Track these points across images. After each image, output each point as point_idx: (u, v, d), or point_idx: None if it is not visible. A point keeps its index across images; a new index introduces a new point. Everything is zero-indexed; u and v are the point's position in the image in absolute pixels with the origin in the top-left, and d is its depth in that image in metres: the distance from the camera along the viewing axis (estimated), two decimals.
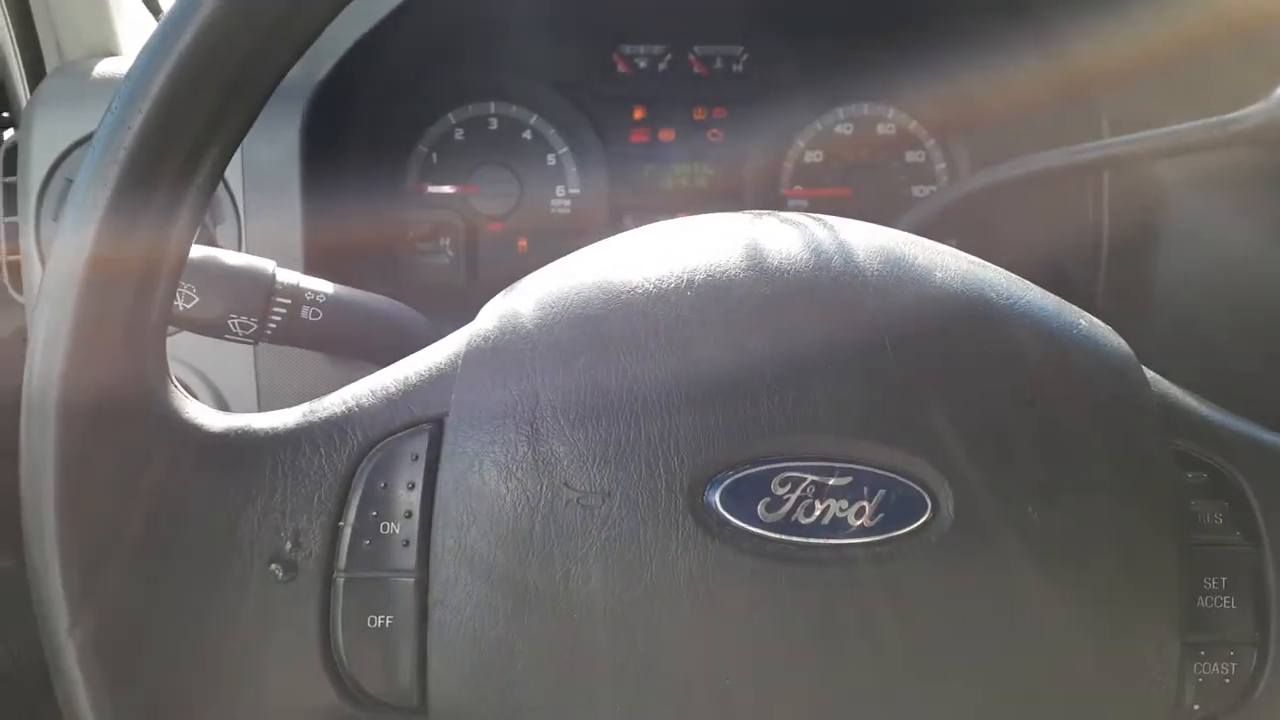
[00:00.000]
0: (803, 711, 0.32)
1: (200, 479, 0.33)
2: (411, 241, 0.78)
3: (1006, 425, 0.32)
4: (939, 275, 0.34)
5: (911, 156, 0.79)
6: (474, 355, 0.34)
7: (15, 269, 0.67)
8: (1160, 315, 0.62)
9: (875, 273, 0.34)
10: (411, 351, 0.36)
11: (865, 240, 0.35)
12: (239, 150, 0.62)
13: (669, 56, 0.78)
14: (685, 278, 0.34)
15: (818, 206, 0.79)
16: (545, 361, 0.33)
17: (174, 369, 0.65)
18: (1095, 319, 0.36)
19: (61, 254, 0.31)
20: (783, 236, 0.35)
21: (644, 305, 0.33)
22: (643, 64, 0.78)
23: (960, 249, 0.71)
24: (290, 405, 0.35)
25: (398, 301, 0.49)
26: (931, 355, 0.33)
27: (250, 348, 0.62)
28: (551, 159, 0.78)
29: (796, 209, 0.79)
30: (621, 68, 0.78)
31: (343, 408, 0.34)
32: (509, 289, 0.36)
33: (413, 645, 0.33)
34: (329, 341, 0.47)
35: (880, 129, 0.78)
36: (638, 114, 0.78)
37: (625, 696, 0.32)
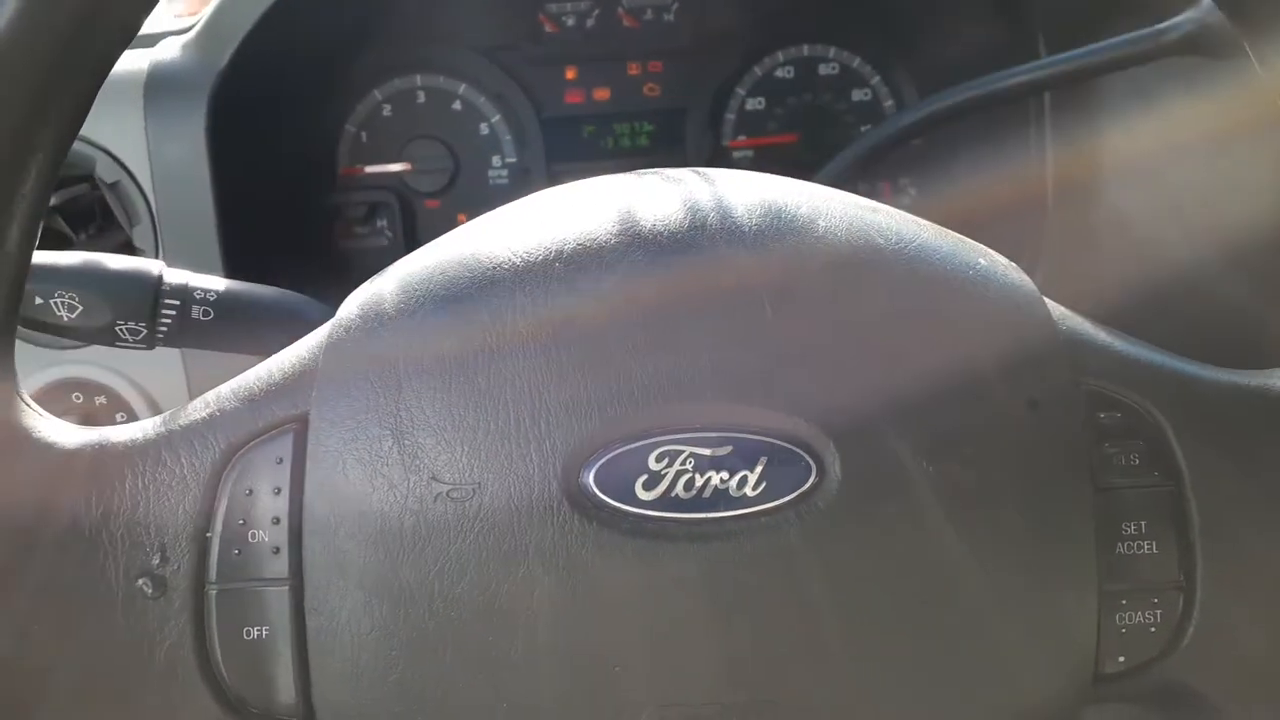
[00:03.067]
0: (695, 691, 0.30)
1: (60, 498, 0.31)
2: (349, 225, 0.76)
3: (895, 378, 0.30)
4: (822, 224, 0.32)
5: (857, 95, 0.76)
6: (335, 347, 0.32)
7: None
8: (1110, 249, 0.59)
9: (754, 227, 0.32)
10: None
11: (746, 193, 0.33)
12: (146, 149, 0.61)
13: (597, 12, 0.75)
14: (554, 248, 0.32)
15: (763, 155, 0.76)
16: (408, 349, 0.31)
17: (101, 376, 0.64)
18: (998, 256, 0.34)
19: None
20: (660, 197, 0.33)
21: (511, 281, 0.31)
22: (570, 21, 0.75)
23: (911, 188, 0.68)
24: None
25: (295, 293, 0.47)
26: (812, 310, 0.31)
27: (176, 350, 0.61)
28: (485, 128, 0.76)
29: (742, 160, 0.76)
30: (549, 27, 0.75)
31: (204, 413, 0.32)
32: (376, 276, 0.34)
33: (291, 655, 0.31)
34: (225, 339, 0.45)
35: (822, 70, 0.76)
36: (570, 74, 0.76)
37: (512, 689, 0.31)
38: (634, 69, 0.76)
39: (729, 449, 0.30)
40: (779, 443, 0.30)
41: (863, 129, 0.75)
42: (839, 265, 0.31)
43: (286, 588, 0.31)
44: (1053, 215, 0.61)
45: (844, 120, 0.76)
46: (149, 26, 0.66)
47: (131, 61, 0.62)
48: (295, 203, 0.71)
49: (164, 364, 0.61)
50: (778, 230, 0.32)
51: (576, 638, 0.30)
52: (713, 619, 0.30)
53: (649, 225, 0.32)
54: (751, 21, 0.75)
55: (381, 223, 0.76)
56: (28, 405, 0.32)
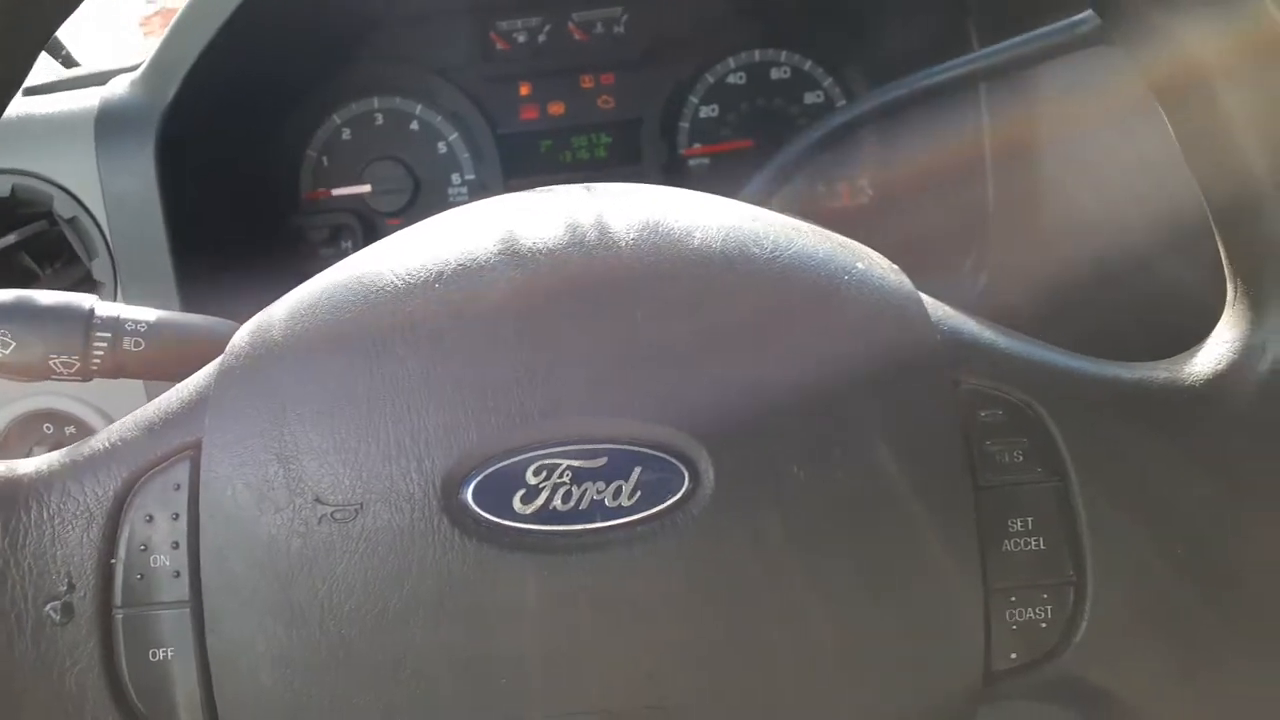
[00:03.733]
0: (581, 700, 0.31)
1: None
2: (313, 248, 0.77)
3: (766, 384, 0.31)
4: (698, 236, 0.32)
5: (810, 98, 0.76)
6: (226, 374, 0.33)
7: None
8: (1051, 246, 0.59)
9: (630, 241, 0.32)
10: None
11: (627, 207, 0.34)
12: (99, 185, 0.62)
13: (547, 27, 0.76)
14: (436, 270, 0.32)
15: (720, 162, 0.77)
16: (292, 373, 0.32)
17: (70, 407, 0.65)
18: (881, 259, 0.34)
19: None
20: (544, 214, 0.34)
21: (392, 303, 0.32)
22: (521, 38, 0.76)
23: (868, 190, 0.68)
24: None
25: (227, 320, 0.48)
26: (682, 319, 0.31)
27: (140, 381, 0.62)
28: (443, 147, 0.77)
29: (698, 168, 0.77)
30: (500, 45, 0.76)
31: (105, 444, 0.33)
32: (273, 303, 0.35)
33: (195, 676, 0.32)
34: (157, 368, 0.46)
35: (774, 74, 0.76)
36: (524, 90, 0.77)
37: (402, 704, 0.31)
38: (587, 82, 0.76)
39: (603, 460, 0.30)
40: (652, 452, 0.30)
41: None
42: (710, 274, 0.32)
43: (187, 610, 0.32)
44: (995, 210, 0.61)
45: (798, 123, 0.76)
46: (102, 64, 0.68)
47: (83, 99, 0.63)
48: (256, 228, 0.72)
49: (128, 393, 0.62)
50: (653, 243, 0.32)
51: (462, 652, 0.30)
52: (596, 628, 0.30)
53: (528, 243, 0.33)
54: (701, 29, 0.75)
55: (346, 244, 0.77)
56: None
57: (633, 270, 0.32)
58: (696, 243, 0.32)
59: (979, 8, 0.62)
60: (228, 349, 0.33)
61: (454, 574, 0.30)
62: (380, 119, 0.77)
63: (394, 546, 0.30)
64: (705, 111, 0.76)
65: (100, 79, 0.66)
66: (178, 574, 0.32)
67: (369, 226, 0.77)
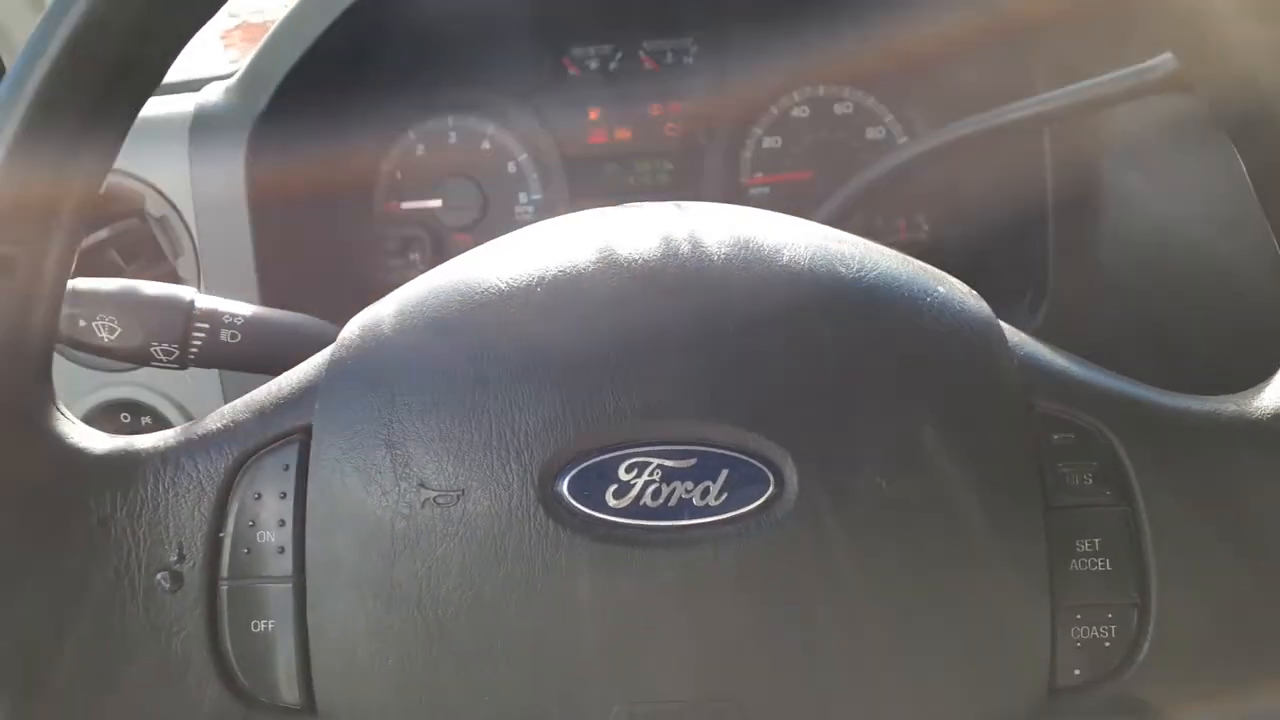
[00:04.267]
0: (661, 689, 0.32)
1: (88, 498, 0.35)
2: (383, 258, 0.80)
3: (851, 397, 0.32)
4: (786, 254, 0.34)
5: (872, 133, 0.78)
6: (336, 365, 0.35)
7: None
8: (1109, 280, 0.60)
9: (722, 256, 0.34)
10: None
11: (717, 225, 0.36)
12: (190, 187, 0.65)
13: (619, 55, 0.79)
14: (537, 276, 0.34)
15: (780, 192, 0.78)
16: (400, 366, 0.34)
17: (147, 398, 0.68)
18: (959, 284, 0.36)
19: None
20: (638, 229, 0.36)
21: (495, 305, 0.34)
22: (593, 65, 0.79)
23: (926, 226, 0.70)
24: None
25: (316, 318, 0.50)
26: (772, 332, 0.33)
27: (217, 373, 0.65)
28: (512, 166, 0.79)
29: (759, 196, 0.79)
30: (573, 71, 0.79)
31: (219, 424, 0.36)
32: (378, 301, 0.37)
33: (294, 647, 0.34)
34: (250, 361, 0.48)
35: (837, 108, 0.78)
36: (593, 115, 0.79)
37: (493, 683, 0.33)
38: (655, 109, 0.79)
39: (693, 461, 0.32)
40: (739, 456, 0.32)
41: None
42: (799, 290, 0.34)
43: (289, 585, 0.34)
44: (1055, 246, 0.63)
45: (859, 158, 0.77)
46: (197, 72, 0.71)
47: (178, 104, 0.67)
48: (331, 236, 0.75)
49: (203, 386, 0.65)
50: (744, 258, 0.34)
51: (551, 635, 0.32)
52: (678, 620, 0.32)
53: (625, 254, 0.35)
54: (768, 63, 0.77)
55: (414, 255, 0.79)
56: (62, 414, 0.36)
57: (725, 283, 0.34)
58: (785, 259, 0.34)
59: (1042, 52, 0.63)
60: (338, 341, 0.36)
61: (547, 561, 0.32)
62: (454, 137, 0.79)
63: (491, 531, 0.32)
64: (768, 142, 0.78)
65: (194, 85, 0.69)
66: (282, 550, 0.34)
67: (437, 240, 0.79)
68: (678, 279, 0.34)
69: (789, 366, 0.32)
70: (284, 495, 0.34)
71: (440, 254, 0.79)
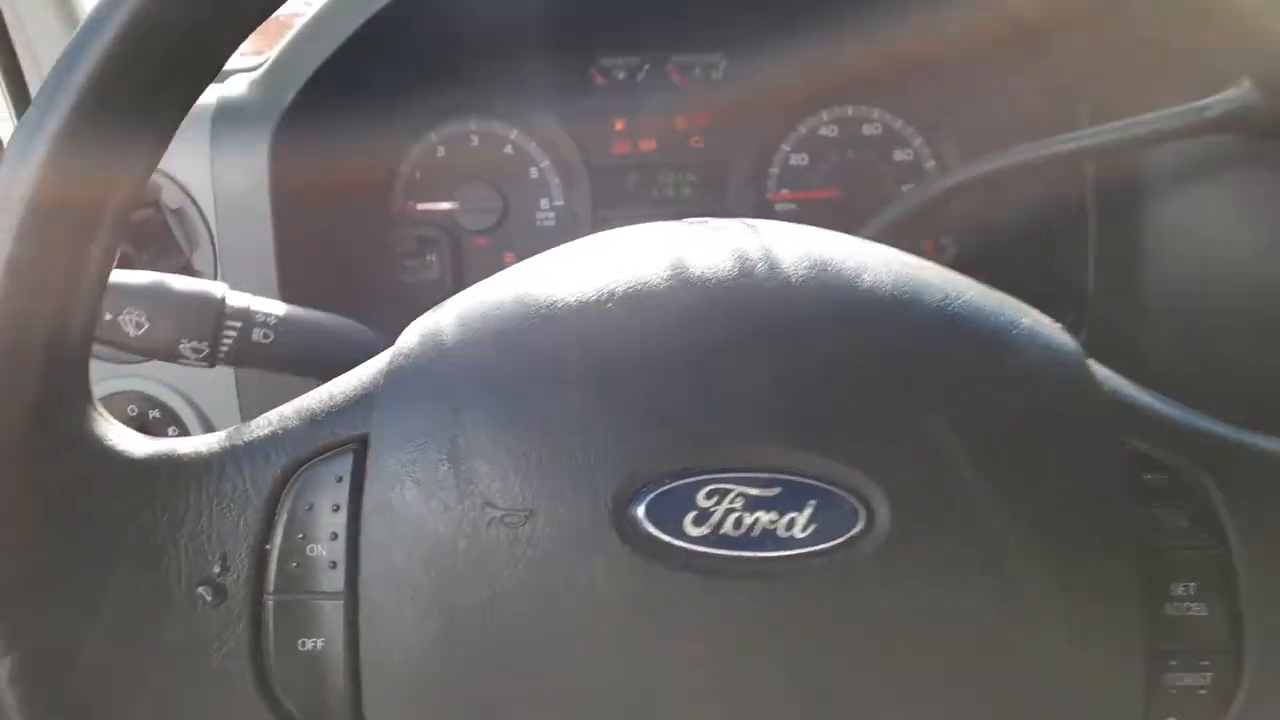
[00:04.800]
0: None
1: (126, 505, 0.33)
2: (398, 259, 0.78)
3: (943, 431, 0.31)
4: (867, 278, 0.33)
5: (899, 155, 0.77)
6: (396, 373, 0.33)
7: None
8: (1157, 310, 0.60)
9: (801, 278, 0.33)
10: None
11: (792, 245, 0.34)
12: (210, 179, 0.63)
13: (647, 67, 0.78)
14: (606, 290, 0.33)
15: (806, 209, 0.78)
16: (465, 378, 0.32)
17: (156, 391, 0.66)
18: (1041, 316, 0.35)
19: None
20: (709, 244, 0.35)
21: (564, 319, 0.33)
22: (621, 75, 0.78)
23: (953, 248, 0.69)
24: None
25: (352, 321, 0.49)
26: (860, 361, 0.32)
27: (231, 369, 0.63)
28: (534, 172, 0.78)
29: (784, 213, 0.78)
30: (600, 80, 0.78)
31: (267, 430, 0.34)
32: (435, 308, 0.36)
33: (344, 668, 0.32)
34: (282, 362, 0.46)
35: (866, 129, 0.77)
36: (618, 125, 0.78)
37: (559, 716, 0.31)
38: (681, 122, 0.78)
39: (778, 490, 0.31)
40: (828, 487, 0.30)
41: (904, 188, 0.77)
42: (882, 317, 0.32)
43: (341, 602, 0.32)
44: (1095, 277, 0.62)
45: (886, 180, 0.77)
46: None
47: (201, 97, 0.64)
48: (348, 235, 0.73)
49: (217, 382, 0.63)
50: (823, 280, 0.33)
51: (622, 666, 0.31)
52: (758, 654, 0.30)
53: (699, 270, 0.33)
54: (798, 81, 0.77)
55: (431, 258, 0.78)
56: (101, 415, 0.34)
57: (805, 306, 0.32)
58: (867, 284, 0.33)
59: (1091, 88, 0.63)
60: (396, 349, 0.34)
61: (621, 589, 0.30)
62: (476, 140, 0.78)
63: (561, 556, 0.31)
64: (795, 160, 0.77)
65: (218, 77, 0.67)
66: (334, 565, 0.32)
67: (455, 243, 0.77)
68: (756, 298, 0.33)
69: (876, 398, 0.31)
70: (337, 508, 0.33)
71: (459, 257, 0.78)
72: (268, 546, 0.33)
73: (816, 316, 0.32)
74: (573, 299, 0.33)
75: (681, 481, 0.31)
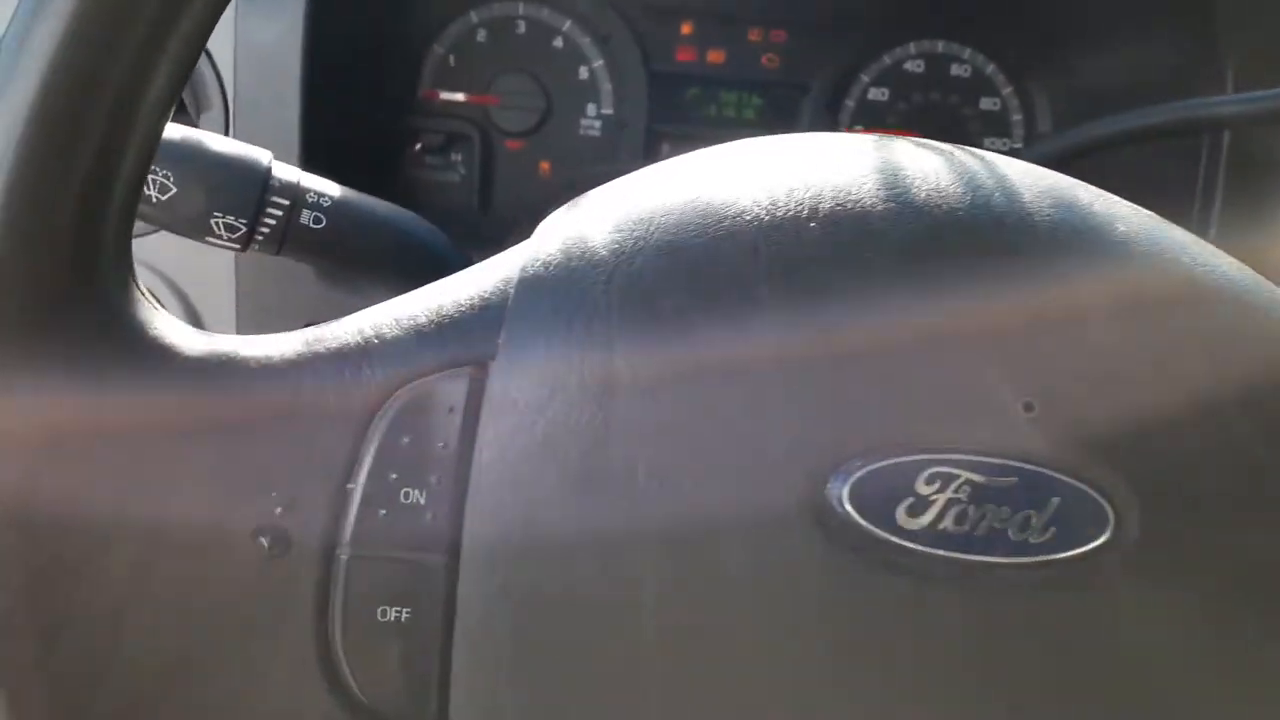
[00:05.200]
0: None
1: (169, 417, 0.25)
2: (419, 154, 0.69)
3: (1204, 428, 0.25)
4: (1121, 228, 0.27)
5: (986, 104, 0.71)
6: (530, 284, 0.26)
7: None
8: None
9: (1046, 218, 0.26)
10: (436, 277, 0.28)
11: (1028, 178, 0.28)
12: (233, 30, 0.54)
13: None
14: (807, 203, 0.26)
15: None
16: (623, 298, 0.25)
17: (143, 276, 0.57)
18: None
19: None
20: (923, 163, 0.28)
21: (753, 236, 0.26)
22: None
23: None
24: (275, 328, 0.28)
25: (414, 214, 0.41)
26: (1130, 335, 0.25)
27: (230, 254, 0.54)
28: (584, 72, 0.70)
29: None
30: None
31: (358, 338, 0.26)
32: (574, 202, 0.28)
33: (434, 647, 0.25)
34: (332, 255, 0.38)
35: (954, 70, 0.70)
36: (685, 29, 0.70)
37: None
38: (754, 35, 0.70)
39: (1013, 480, 0.24)
40: (1075, 483, 0.24)
41: (985, 141, 0.70)
42: (1152, 281, 0.26)
43: (441, 564, 0.25)
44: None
45: (967, 126, 0.70)
46: None
47: None
48: (370, 116, 0.64)
49: (214, 277, 0.54)
50: (1075, 228, 0.27)
51: (801, 681, 0.25)
52: (974, 677, 0.24)
53: (920, 194, 0.27)
54: (889, 6, 0.69)
55: (456, 157, 0.69)
56: (144, 297, 0.26)
57: (1061, 255, 0.26)
58: (1121, 235, 0.27)
59: (1238, 48, 0.57)
60: (530, 255, 0.27)
61: (806, 586, 0.24)
62: (522, 27, 0.69)
63: (733, 539, 0.24)
64: (874, 93, 0.70)
65: None
66: (434, 517, 0.25)
67: (485, 143, 0.69)
68: (995, 237, 0.26)
69: (1148, 384, 0.25)
70: (444, 445, 0.26)
71: (488, 159, 0.69)
72: (350, 485, 0.26)
73: (1067, 269, 0.26)
74: (763, 211, 0.26)
75: (898, 459, 0.24)
